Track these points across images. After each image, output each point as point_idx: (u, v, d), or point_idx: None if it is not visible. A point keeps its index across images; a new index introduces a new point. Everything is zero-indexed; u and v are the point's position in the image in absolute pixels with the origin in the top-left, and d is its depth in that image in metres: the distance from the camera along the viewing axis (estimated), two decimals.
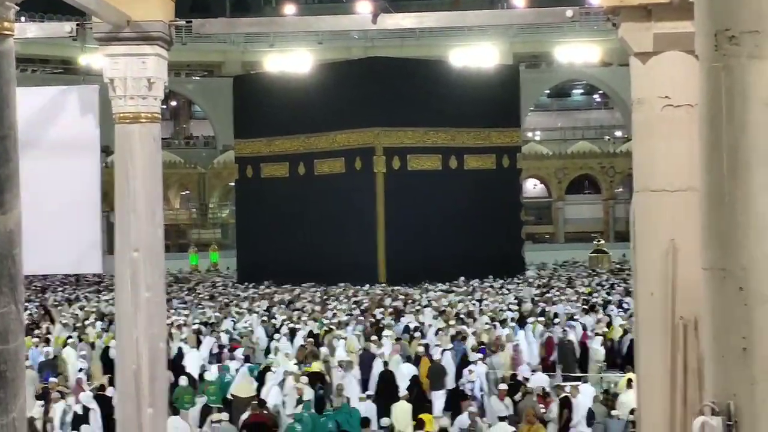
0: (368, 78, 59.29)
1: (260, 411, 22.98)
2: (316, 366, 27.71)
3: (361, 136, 59.66)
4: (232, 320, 37.34)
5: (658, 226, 10.86)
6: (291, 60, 62.37)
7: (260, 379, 26.48)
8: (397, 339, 31.19)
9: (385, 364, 27.37)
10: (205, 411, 24.39)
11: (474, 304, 41.87)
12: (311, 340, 31.19)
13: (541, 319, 35.57)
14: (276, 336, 32.71)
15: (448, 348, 29.12)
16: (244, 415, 22.94)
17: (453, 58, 65.73)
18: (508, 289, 49.34)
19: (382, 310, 39.67)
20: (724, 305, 7.44)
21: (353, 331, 33.28)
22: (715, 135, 7.49)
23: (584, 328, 33.48)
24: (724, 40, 7.28)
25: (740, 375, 7.33)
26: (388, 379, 26.15)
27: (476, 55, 65.09)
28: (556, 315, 36.77)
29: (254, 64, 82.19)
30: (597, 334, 32.22)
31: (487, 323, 34.50)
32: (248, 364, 28.23)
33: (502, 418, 21.65)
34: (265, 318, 37.71)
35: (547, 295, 45.35)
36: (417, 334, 32.86)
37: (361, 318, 36.74)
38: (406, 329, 33.78)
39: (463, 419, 21.68)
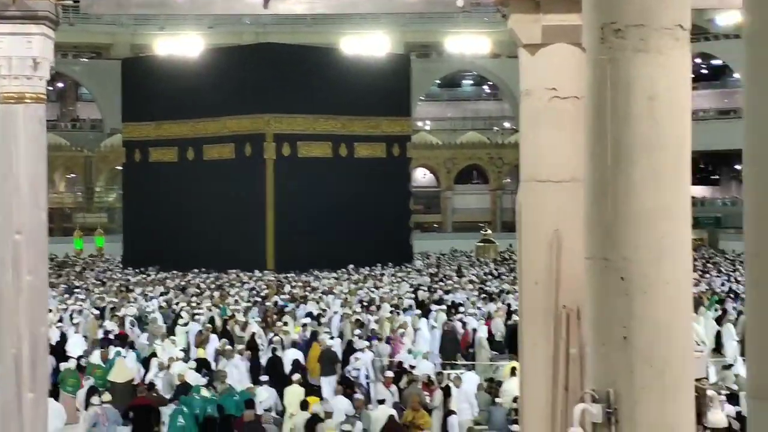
0: (259, 64, 59.04)
1: (147, 394, 22.89)
2: (201, 353, 27.68)
3: (251, 122, 59.38)
4: (132, 305, 36.71)
5: (542, 217, 11.00)
6: (181, 44, 61.74)
7: (147, 366, 26.47)
8: (304, 325, 31.27)
9: (274, 350, 27.38)
10: (90, 393, 24.10)
11: (372, 291, 41.99)
12: (209, 326, 31.03)
13: (443, 307, 35.67)
14: (180, 321, 32.25)
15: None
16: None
17: (345, 45, 65.65)
18: (399, 278, 49.52)
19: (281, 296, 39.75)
20: (606, 294, 7.58)
21: (254, 318, 33.17)
22: (599, 127, 7.62)
23: (489, 317, 33.73)
24: (610, 33, 7.40)
25: (620, 363, 7.47)
26: (277, 364, 26.26)
27: (368, 43, 65.12)
28: (458, 304, 36.95)
29: (143, 47, 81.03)
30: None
31: (390, 311, 34.63)
32: (133, 351, 28.05)
33: (381, 401, 21.80)
34: (163, 304, 37.18)
35: (440, 283, 45.60)
36: (324, 320, 32.98)
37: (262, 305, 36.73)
38: (310, 315, 33.71)
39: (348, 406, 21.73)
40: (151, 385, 23.82)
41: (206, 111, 59.83)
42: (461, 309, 35.48)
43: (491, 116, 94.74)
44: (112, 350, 27.68)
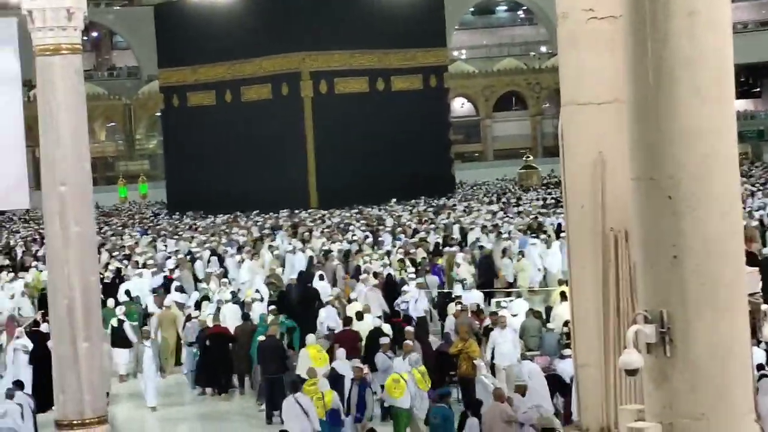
0: (292, 1, 58.73)
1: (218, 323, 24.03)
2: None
3: (287, 60, 59.22)
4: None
5: (585, 140, 10.90)
6: None
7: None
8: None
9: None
10: None
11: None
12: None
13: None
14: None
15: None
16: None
17: None
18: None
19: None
20: (653, 215, 7.52)
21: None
22: (639, 46, 7.52)
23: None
24: None
25: (671, 282, 7.43)
26: None
27: None
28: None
29: None
30: None
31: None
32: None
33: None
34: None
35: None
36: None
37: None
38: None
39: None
40: None
41: (242, 52, 59.71)
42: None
43: (527, 41, 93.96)
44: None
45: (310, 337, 21.94)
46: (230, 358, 23.38)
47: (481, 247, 33.37)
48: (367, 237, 38.02)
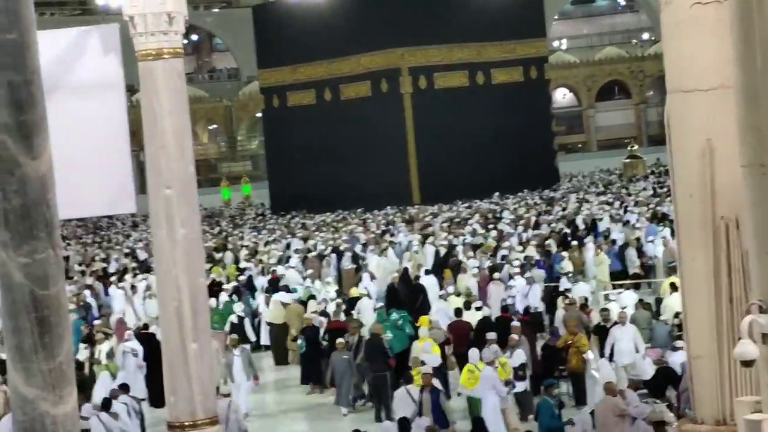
0: None
1: (342, 319, 24.42)
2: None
3: (385, 57, 59.22)
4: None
5: (692, 127, 10.71)
6: None
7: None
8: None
9: None
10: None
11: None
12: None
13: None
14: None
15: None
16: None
17: None
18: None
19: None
20: (765, 201, 7.34)
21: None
22: (746, 29, 7.34)
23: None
24: None
25: None
26: None
27: None
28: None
29: None
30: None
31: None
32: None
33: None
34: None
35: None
36: None
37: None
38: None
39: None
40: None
41: (340, 50, 59.87)
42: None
43: (629, 29, 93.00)
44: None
45: (423, 330, 22.10)
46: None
47: (606, 236, 33.25)
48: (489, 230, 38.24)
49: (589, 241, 32.80)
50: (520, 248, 32.67)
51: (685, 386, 15.05)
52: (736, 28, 7.47)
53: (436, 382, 18.81)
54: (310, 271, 31.82)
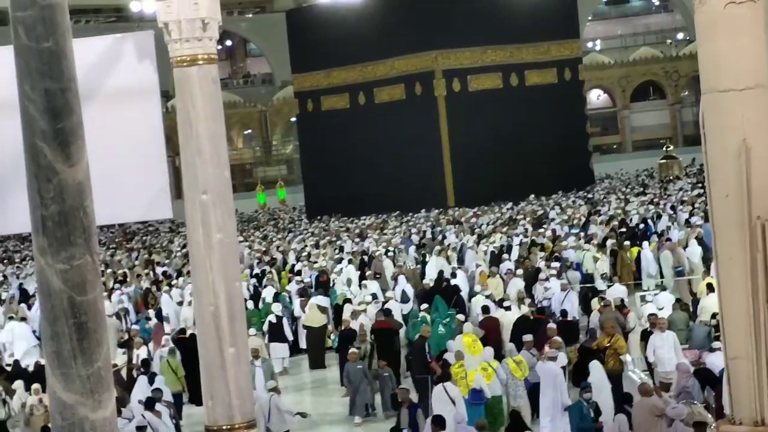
0: (422, 1, 58.74)
1: (385, 319, 24.55)
2: None
3: (419, 60, 59.25)
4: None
5: (728, 127, 10.66)
6: None
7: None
8: None
9: None
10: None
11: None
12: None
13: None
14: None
15: None
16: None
17: None
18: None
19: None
20: None
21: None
22: None
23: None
24: None
25: None
26: None
27: None
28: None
29: None
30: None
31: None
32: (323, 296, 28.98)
33: None
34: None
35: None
36: None
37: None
38: None
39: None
40: (387, 311, 25.40)
41: (373, 54, 59.98)
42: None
43: (663, 29, 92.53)
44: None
45: (467, 326, 22.22)
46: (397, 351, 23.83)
47: (659, 235, 33.30)
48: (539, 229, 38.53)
49: (646, 241, 32.68)
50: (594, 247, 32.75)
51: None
52: None
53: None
54: (369, 272, 32.11)
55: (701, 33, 11.04)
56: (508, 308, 24.27)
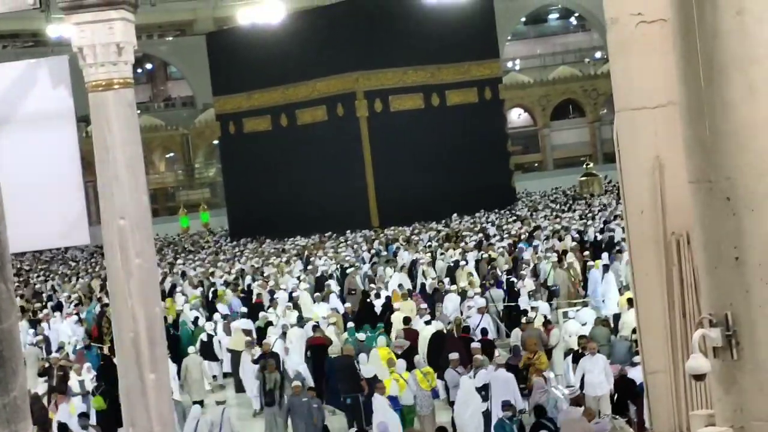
0: (343, 23, 58.85)
1: (320, 335, 25.04)
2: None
3: (340, 81, 59.33)
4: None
5: (641, 144, 10.80)
6: (263, 11, 61.69)
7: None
8: None
9: None
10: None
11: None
12: None
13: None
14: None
15: None
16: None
17: None
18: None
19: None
20: (713, 216, 7.43)
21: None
22: (689, 47, 7.44)
23: None
24: None
25: (735, 284, 7.33)
26: None
27: None
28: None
29: (226, 20, 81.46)
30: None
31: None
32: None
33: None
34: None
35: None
36: None
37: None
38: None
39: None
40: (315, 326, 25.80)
41: (295, 76, 59.97)
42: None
43: (581, 48, 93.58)
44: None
45: (381, 339, 22.50)
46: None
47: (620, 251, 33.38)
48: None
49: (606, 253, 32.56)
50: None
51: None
52: (679, 45, 7.57)
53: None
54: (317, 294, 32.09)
55: (614, 52, 11.19)
56: (428, 322, 24.64)
